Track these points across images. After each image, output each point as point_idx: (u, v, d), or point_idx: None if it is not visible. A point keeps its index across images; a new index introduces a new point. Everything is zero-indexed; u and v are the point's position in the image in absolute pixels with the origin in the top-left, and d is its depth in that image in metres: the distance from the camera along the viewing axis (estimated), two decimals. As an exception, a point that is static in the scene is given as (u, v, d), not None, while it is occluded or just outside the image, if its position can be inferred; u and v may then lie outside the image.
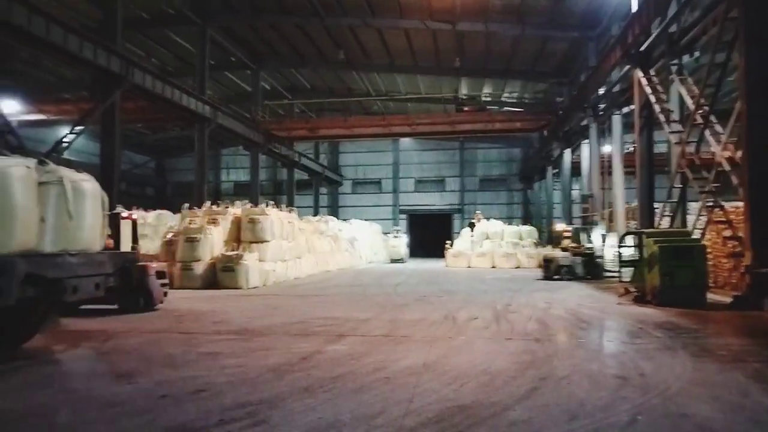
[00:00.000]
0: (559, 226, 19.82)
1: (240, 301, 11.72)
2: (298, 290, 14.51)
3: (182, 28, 25.01)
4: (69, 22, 15.70)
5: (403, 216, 43.89)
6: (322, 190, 42.31)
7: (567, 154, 27.57)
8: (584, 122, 23.14)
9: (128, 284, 6.93)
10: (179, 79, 24.51)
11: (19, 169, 5.73)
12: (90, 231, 6.64)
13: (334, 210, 42.29)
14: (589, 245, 17.23)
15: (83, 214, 6.49)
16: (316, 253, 21.55)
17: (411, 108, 35.65)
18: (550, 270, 17.61)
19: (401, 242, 33.78)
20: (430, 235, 40.31)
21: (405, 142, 42.73)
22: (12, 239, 5.47)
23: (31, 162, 6.14)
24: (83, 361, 6.01)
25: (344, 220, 33.22)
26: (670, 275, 10.18)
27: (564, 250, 18.09)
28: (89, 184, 6.77)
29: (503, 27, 24.43)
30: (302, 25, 25.53)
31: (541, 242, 28.93)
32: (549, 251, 18.97)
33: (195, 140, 23.83)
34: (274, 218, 17.20)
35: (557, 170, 31.05)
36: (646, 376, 5.07)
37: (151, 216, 22.11)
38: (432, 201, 43.77)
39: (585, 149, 23.87)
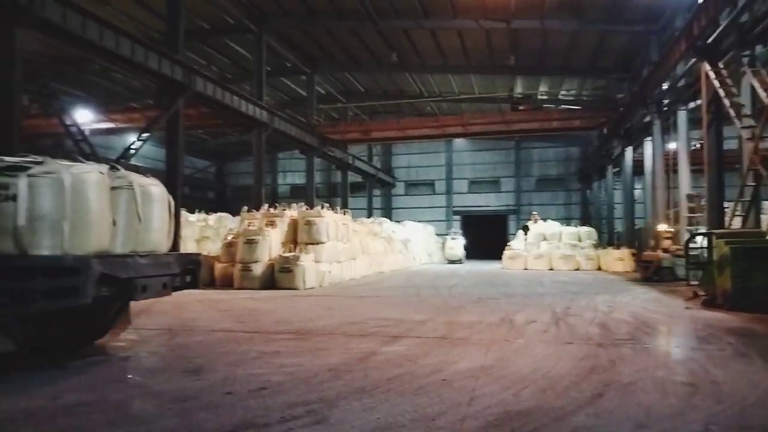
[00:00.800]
0: (661, 227, 19.15)
1: (297, 302, 11.96)
2: (353, 291, 14.67)
3: (240, 36, 25.81)
4: (136, 35, 16.51)
5: (457, 217, 43.55)
6: (375, 192, 42.58)
7: (628, 153, 26.57)
8: (647, 119, 22.23)
9: (194, 285, 7.20)
10: (237, 86, 25.31)
11: (93, 174, 6.08)
12: (157, 233, 6.96)
13: (388, 212, 42.47)
14: (694, 246, 16.24)
15: (151, 217, 6.82)
16: (370, 255, 21.72)
17: (464, 108, 35.36)
18: (649, 271, 17.43)
19: (459, 244, 33.62)
20: (484, 236, 39.82)
21: (458, 142, 42.41)
22: (88, 241, 5.81)
23: (104, 168, 6.51)
24: (152, 357, 6.29)
25: (397, 221, 33.32)
26: (742, 278, 9.64)
27: (665, 251, 17.60)
28: (157, 188, 7.10)
29: (560, 23, 23.85)
30: (356, 29, 25.82)
31: (601, 244, 28.04)
32: (650, 253, 18.41)
33: (253, 145, 24.51)
34: (330, 220, 17.47)
35: (618, 169, 29.98)
36: (718, 384, 4.82)
37: (212, 218, 22.94)
38: (487, 202, 43.22)
39: (648, 147, 22.94)
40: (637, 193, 28.22)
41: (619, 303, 11.31)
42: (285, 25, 26.03)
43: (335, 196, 39.97)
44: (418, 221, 35.70)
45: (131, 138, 20.45)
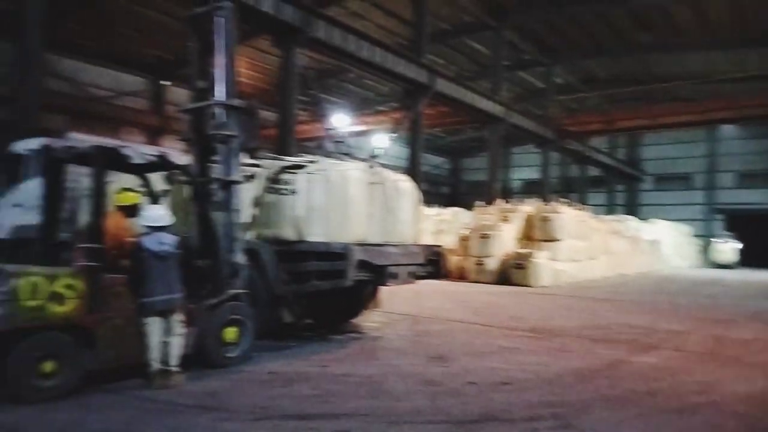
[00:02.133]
0: None
1: (531, 299, 11.70)
2: (592, 292, 13.74)
3: (479, 34, 26.15)
4: (386, 43, 17.98)
5: (720, 216, 37.48)
6: (618, 187, 39.16)
7: None
8: None
9: (435, 275, 7.58)
10: (475, 83, 25.73)
11: (355, 172, 6.84)
12: (406, 225, 7.51)
13: (632, 208, 38.62)
14: None
15: (401, 210, 7.39)
16: (611, 255, 20.10)
17: (729, 89, 30.14)
18: None
19: (730, 247, 29.19)
20: (757, 239, 33.47)
21: (724, 129, 36.33)
22: (349, 231, 6.56)
23: (363, 165, 7.27)
24: (399, 340, 6.80)
25: (644, 219, 30.14)
26: None
27: None
28: (406, 183, 7.67)
29: None
30: (603, 12, 24.01)
31: None
32: None
33: (488, 140, 24.69)
34: (567, 216, 16.66)
35: None
36: None
37: (448, 212, 23.82)
38: (762, 199, 36.26)
39: None
40: None
41: None
42: (526, 19, 25.52)
43: (572, 191, 37.87)
44: (669, 219, 31.74)
45: (380, 138, 22.40)
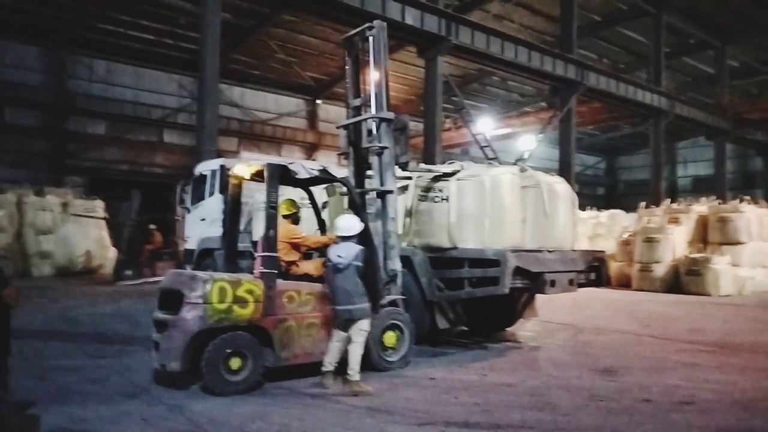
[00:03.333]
0: None
1: (710, 309, 10.43)
2: (788, 304, 11.88)
3: (634, 22, 24.23)
4: (531, 42, 17.43)
5: None
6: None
7: None
8: None
9: (598, 282, 7.11)
10: (631, 74, 23.87)
11: (507, 176, 6.67)
12: (562, 230, 7.14)
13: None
14: None
15: (557, 214, 7.04)
16: (810, 260, 17.19)
17: None
18: None
19: None
20: None
21: None
22: (503, 237, 6.40)
23: (515, 169, 7.08)
24: (561, 351, 6.47)
25: None
26: None
27: None
28: (562, 186, 7.30)
29: None
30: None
31: None
32: None
33: (649, 136, 22.70)
34: (751, 216, 14.61)
35: None
36: None
37: (604, 215, 22.27)
38: None
39: None
40: None
41: None
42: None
43: (754, 187, 33.29)
44: None
45: (526, 141, 21.71)
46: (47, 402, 4.09)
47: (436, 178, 6.58)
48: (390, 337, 5.30)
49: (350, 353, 4.58)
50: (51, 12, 19.59)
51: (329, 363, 4.65)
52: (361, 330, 4.64)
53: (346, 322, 4.65)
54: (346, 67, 6.34)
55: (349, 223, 4.84)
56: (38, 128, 20.73)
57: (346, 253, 4.64)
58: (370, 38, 5.94)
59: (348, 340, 4.64)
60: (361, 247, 4.78)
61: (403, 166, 6.15)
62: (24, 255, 13.92)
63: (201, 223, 10.24)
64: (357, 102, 6.27)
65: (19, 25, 19.78)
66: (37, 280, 13.25)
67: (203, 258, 9.66)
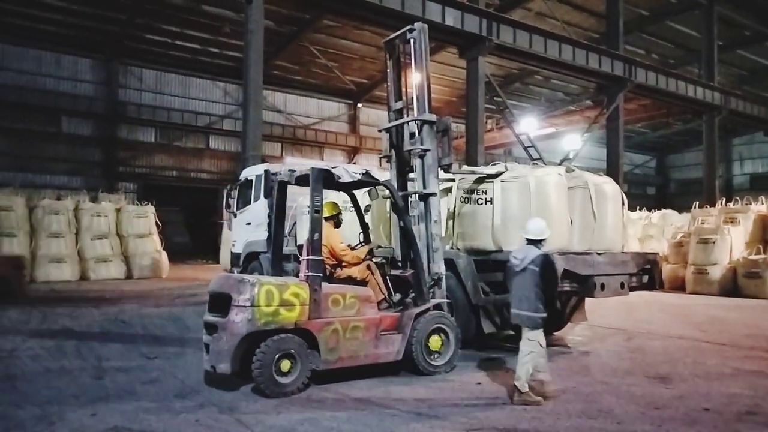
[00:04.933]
0: None
1: (774, 314, 9.91)
2: None
3: (684, 15, 23.35)
4: (575, 40, 17.03)
5: None
6: None
7: None
8: None
9: (650, 285, 6.85)
10: (682, 70, 23.02)
11: (553, 176, 6.51)
12: (611, 231, 6.91)
13: None
14: None
15: (605, 215, 6.82)
16: None
17: None
18: None
19: None
20: None
21: None
22: (550, 239, 6.22)
23: (561, 170, 6.90)
24: (612, 356, 6.25)
25: None
26: None
27: None
28: (610, 186, 7.08)
29: None
30: None
31: None
32: None
33: (702, 132, 21.81)
34: (815, 215, 13.84)
35: None
36: None
37: (655, 216, 21.51)
38: None
39: None
40: None
41: None
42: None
43: (817, 184, 31.54)
44: None
45: (571, 140, 21.20)
46: (104, 401, 4.23)
47: (480, 180, 6.49)
48: (435, 341, 5.24)
49: (519, 363, 4.35)
50: (102, 25, 20.46)
51: (521, 373, 4.34)
52: (529, 340, 4.38)
53: (518, 327, 4.49)
54: (388, 71, 6.33)
55: (539, 227, 4.55)
56: (92, 137, 21.68)
57: (523, 256, 4.44)
58: (411, 41, 5.91)
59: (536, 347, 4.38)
60: (542, 252, 4.47)
61: (446, 169, 6.08)
62: (81, 259, 14.51)
63: (247, 228, 10.42)
64: (399, 105, 6.26)
65: (72, 39, 20.75)
66: (94, 283, 13.78)
67: (249, 261, 9.83)
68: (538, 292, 4.39)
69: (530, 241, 4.52)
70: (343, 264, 5.36)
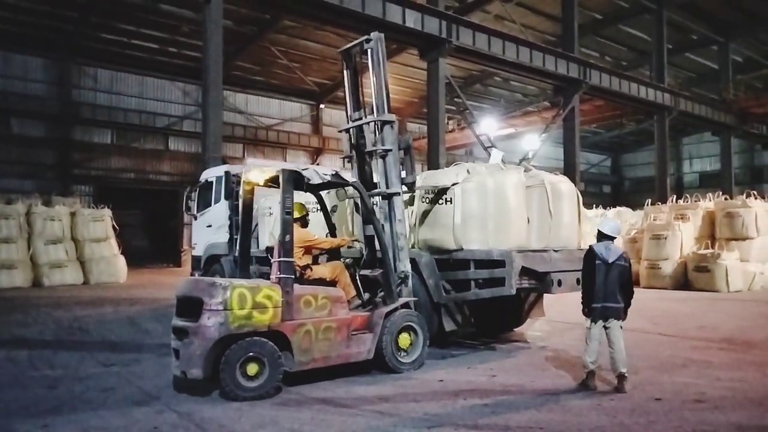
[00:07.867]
0: None
1: (720, 306, 10.38)
2: (799, 299, 11.80)
3: (635, 19, 24.20)
4: (532, 42, 17.41)
5: None
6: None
7: None
8: None
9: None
10: (634, 72, 23.81)
11: (511, 176, 6.66)
12: (567, 229, 7.10)
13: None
14: None
15: (561, 214, 7.00)
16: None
17: None
18: None
19: None
20: None
21: None
22: (508, 237, 6.38)
23: (520, 170, 7.06)
24: (569, 350, 6.42)
25: None
26: None
27: None
28: (565, 185, 7.26)
29: None
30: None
31: None
32: None
33: (654, 132, 22.63)
34: (759, 211, 14.53)
35: None
36: None
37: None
38: None
39: None
40: None
41: None
42: (693, -5, 23.04)
43: (761, 182, 33.14)
44: None
45: (530, 140, 21.64)
46: (57, 412, 4.11)
47: (443, 190, 6.51)
48: (404, 339, 5.30)
49: (617, 353, 4.63)
50: (54, 23, 19.78)
51: (591, 363, 4.70)
52: (618, 329, 4.70)
53: (604, 319, 4.71)
54: (345, 80, 6.32)
55: (616, 226, 5.08)
56: (45, 139, 20.92)
57: (608, 252, 4.73)
58: (369, 51, 5.92)
59: (609, 339, 4.67)
60: (621, 250, 4.85)
61: (410, 187, 6.13)
62: (34, 265, 13.99)
63: (207, 230, 10.27)
64: (357, 115, 6.23)
65: (22, 37, 19.98)
66: (48, 289, 13.32)
67: (210, 264, 9.69)
68: (625, 284, 4.75)
69: (607, 237, 4.83)
70: (314, 252, 5.37)
